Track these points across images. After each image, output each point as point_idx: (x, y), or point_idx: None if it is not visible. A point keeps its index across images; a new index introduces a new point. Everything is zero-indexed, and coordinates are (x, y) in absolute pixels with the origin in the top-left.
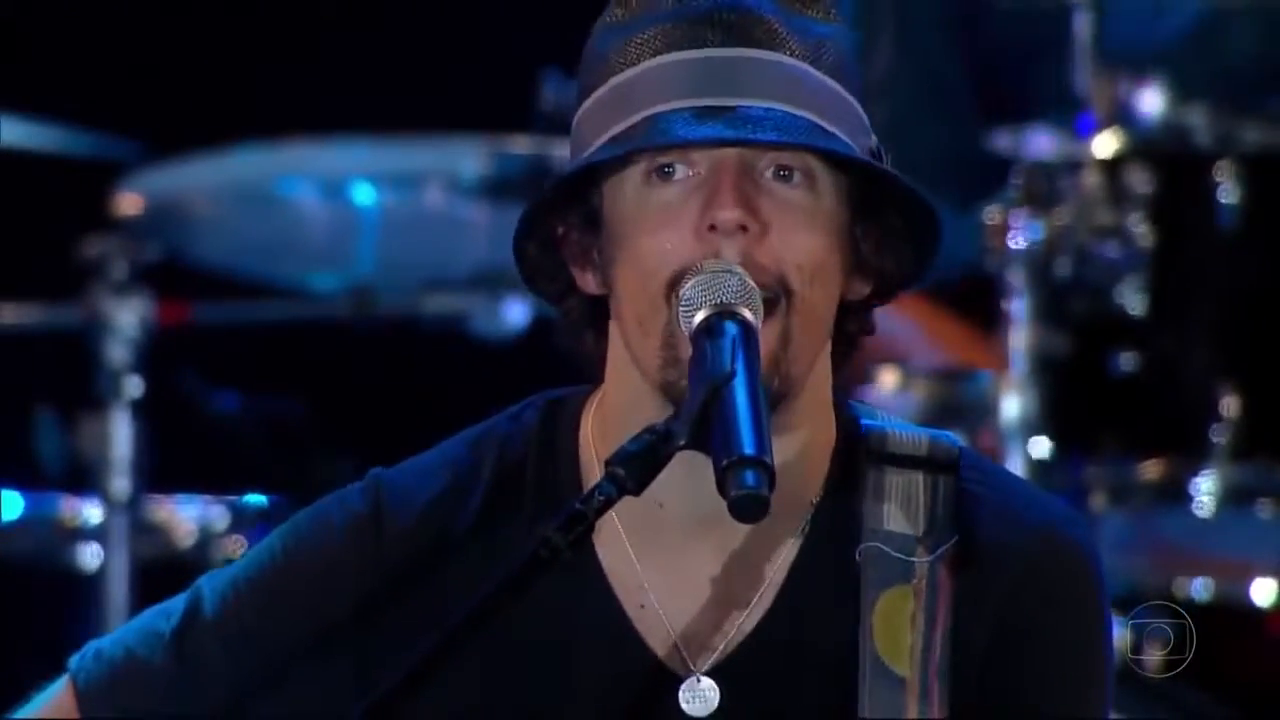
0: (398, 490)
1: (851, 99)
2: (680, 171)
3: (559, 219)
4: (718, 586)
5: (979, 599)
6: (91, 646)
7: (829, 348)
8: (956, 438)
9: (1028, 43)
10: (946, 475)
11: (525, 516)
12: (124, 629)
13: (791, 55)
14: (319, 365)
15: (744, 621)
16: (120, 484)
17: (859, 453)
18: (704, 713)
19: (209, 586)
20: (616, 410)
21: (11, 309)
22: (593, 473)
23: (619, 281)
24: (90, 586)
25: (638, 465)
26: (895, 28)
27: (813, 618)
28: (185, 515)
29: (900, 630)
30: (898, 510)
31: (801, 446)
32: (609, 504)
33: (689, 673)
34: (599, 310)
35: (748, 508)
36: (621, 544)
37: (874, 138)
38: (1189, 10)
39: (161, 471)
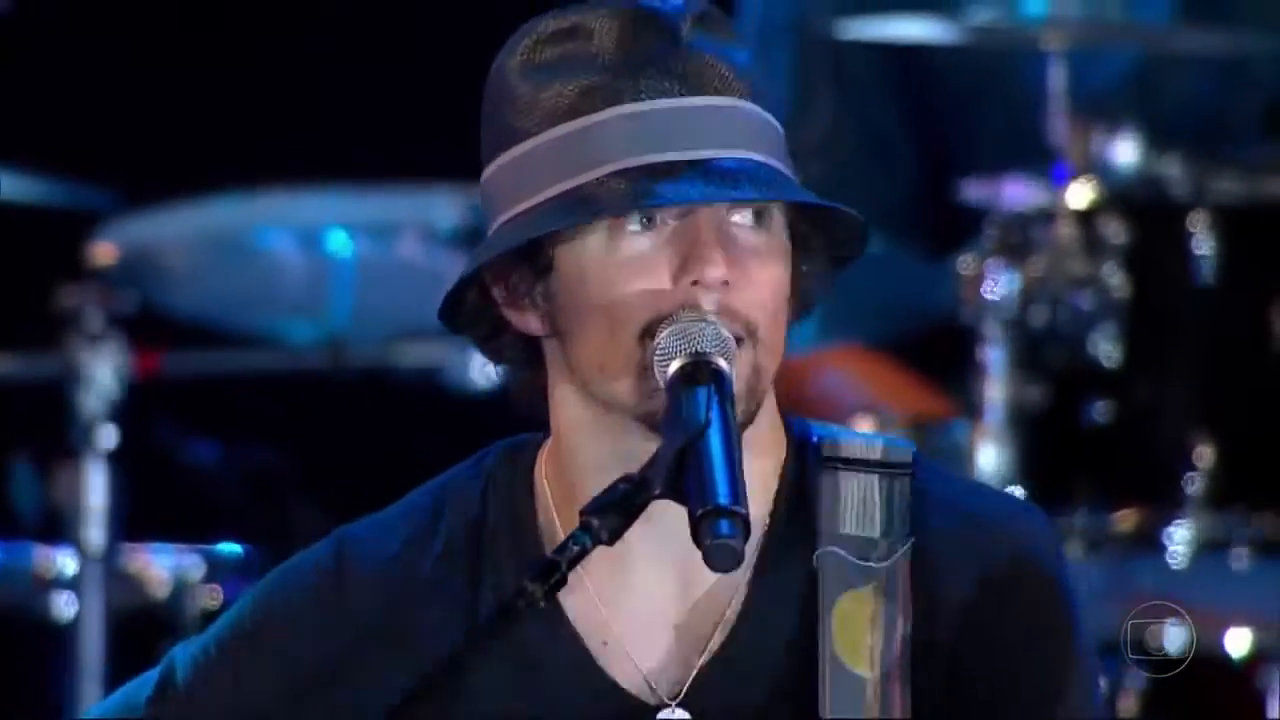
0: (361, 543)
1: (776, 121)
2: (651, 222)
3: (497, 264)
4: (680, 615)
5: (941, 598)
6: None
7: None
8: (911, 443)
9: (972, 91)
10: (900, 477)
11: (487, 561)
12: (101, 705)
13: (736, 95)
14: (294, 415)
15: (710, 647)
16: (95, 534)
17: (810, 464)
18: None
19: (181, 654)
20: (570, 447)
21: None
22: (549, 514)
23: (578, 328)
24: (65, 637)
25: (612, 515)
26: (834, 85)
27: (777, 633)
28: (160, 565)
29: (859, 631)
30: (853, 514)
31: (754, 461)
32: (584, 553)
33: (661, 705)
34: (534, 349)
35: (722, 557)
36: (582, 580)
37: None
38: (1125, 57)
39: (136, 521)
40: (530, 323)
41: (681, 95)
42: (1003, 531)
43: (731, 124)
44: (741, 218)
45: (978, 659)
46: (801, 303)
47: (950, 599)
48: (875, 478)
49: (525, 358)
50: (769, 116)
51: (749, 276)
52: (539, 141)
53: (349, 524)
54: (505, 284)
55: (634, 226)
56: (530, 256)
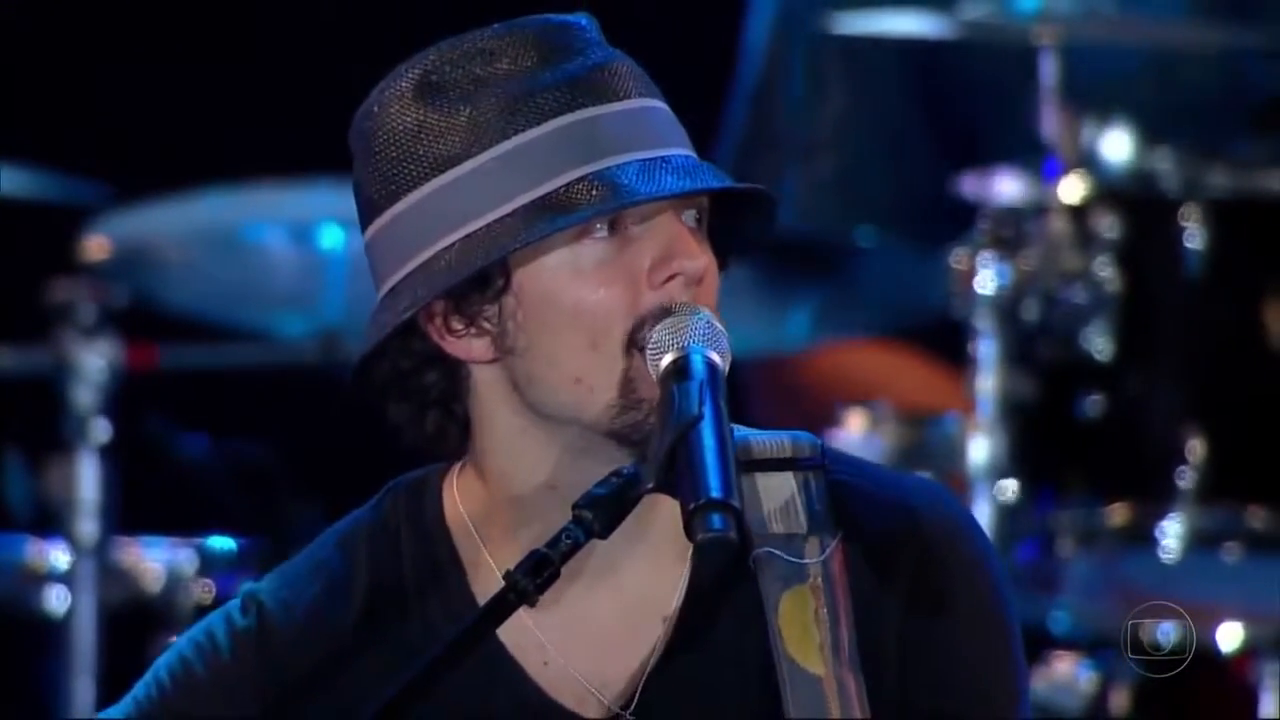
0: (276, 600)
1: None
2: (614, 226)
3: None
4: (618, 627)
5: (879, 588)
6: None
7: None
8: (814, 436)
9: (993, 85)
10: (814, 472)
11: (410, 599)
12: None
13: (657, 98)
14: (286, 409)
15: (655, 654)
16: (87, 528)
17: None
18: None
19: None
20: (506, 473)
21: None
22: (471, 544)
23: (545, 342)
24: (57, 631)
25: (605, 508)
26: (848, 77)
27: (719, 634)
28: (153, 559)
29: (806, 630)
30: (777, 513)
31: None
32: (576, 548)
33: (614, 717)
34: (456, 383)
35: (715, 550)
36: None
37: None
38: (1145, 49)
39: (129, 515)
40: (474, 349)
41: (618, 101)
42: (926, 516)
43: (668, 124)
44: (689, 216)
45: (918, 642)
46: None
47: (886, 587)
48: (790, 475)
49: (448, 393)
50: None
51: (706, 272)
52: (480, 161)
53: (256, 582)
54: (448, 312)
55: (601, 233)
56: (482, 279)
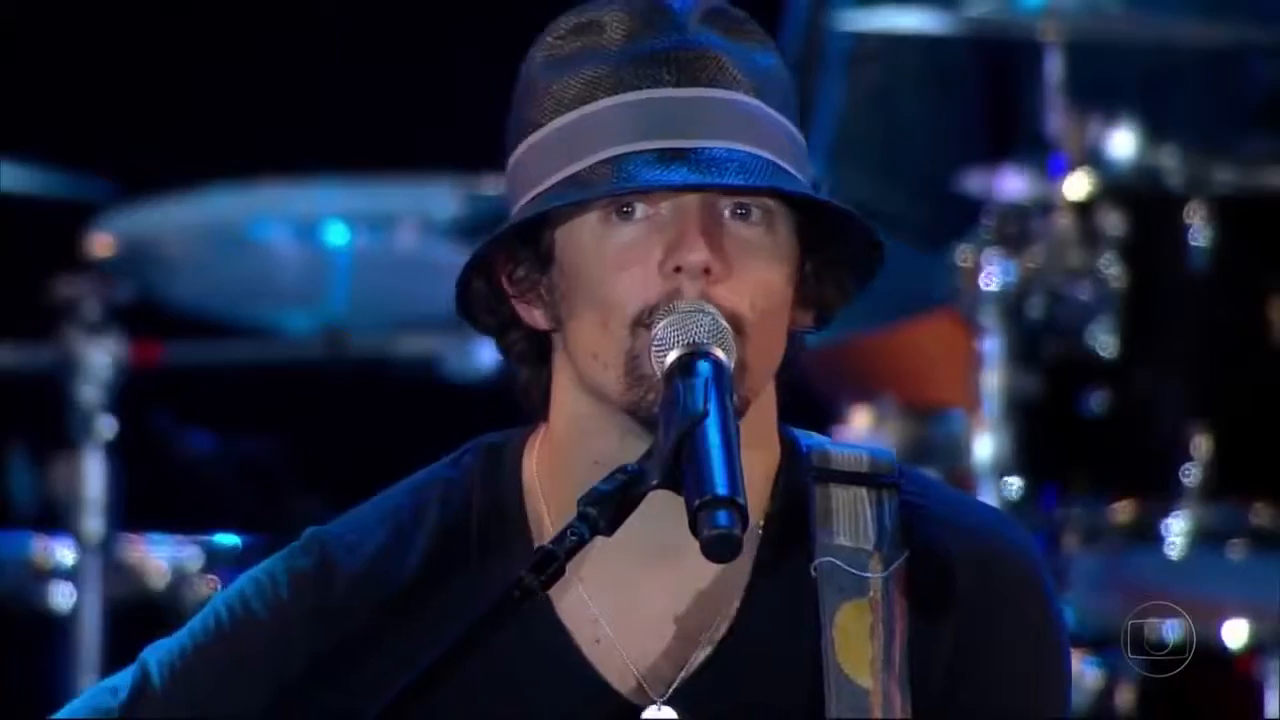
0: (341, 544)
1: (795, 129)
2: (640, 211)
3: (506, 256)
4: (674, 614)
5: (936, 611)
6: None
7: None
8: (893, 453)
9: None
10: (889, 489)
11: (474, 558)
12: (69, 708)
13: (742, 91)
14: (291, 406)
15: (703, 647)
16: (93, 524)
17: (801, 473)
18: None
19: (154, 658)
20: (565, 442)
21: None
22: (539, 509)
23: (574, 317)
24: (63, 627)
25: (610, 505)
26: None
27: (771, 637)
28: (158, 556)
29: (860, 643)
30: (846, 525)
31: (749, 470)
32: (581, 544)
33: (649, 703)
34: (542, 345)
35: (720, 548)
36: (573, 579)
37: (811, 168)
38: (1150, 45)
39: (134, 512)
40: (536, 317)
41: (676, 86)
42: (991, 545)
43: (725, 115)
44: (735, 211)
45: (971, 668)
46: (815, 308)
47: (944, 610)
48: (864, 490)
49: (534, 353)
50: (774, 113)
51: (733, 269)
52: (546, 131)
53: (322, 525)
54: (513, 276)
55: (626, 215)
56: (534, 246)
